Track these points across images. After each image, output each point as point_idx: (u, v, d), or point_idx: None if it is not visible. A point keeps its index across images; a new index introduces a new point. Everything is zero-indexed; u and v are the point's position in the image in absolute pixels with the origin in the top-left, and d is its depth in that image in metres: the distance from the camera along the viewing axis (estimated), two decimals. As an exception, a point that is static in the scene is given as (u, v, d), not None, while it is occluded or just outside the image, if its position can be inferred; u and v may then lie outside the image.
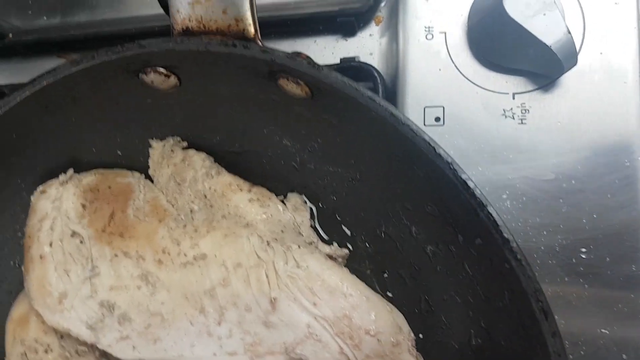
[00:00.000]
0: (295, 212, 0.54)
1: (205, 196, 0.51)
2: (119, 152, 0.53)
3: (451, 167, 0.38)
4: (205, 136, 0.52)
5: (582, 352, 0.54)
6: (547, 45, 0.49)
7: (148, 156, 0.53)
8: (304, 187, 0.52)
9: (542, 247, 0.55)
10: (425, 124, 0.57)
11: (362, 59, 0.60)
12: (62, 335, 0.51)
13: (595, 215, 0.54)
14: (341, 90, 0.41)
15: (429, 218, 0.46)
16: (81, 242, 0.50)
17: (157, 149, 0.52)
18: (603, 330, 0.53)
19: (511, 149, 0.55)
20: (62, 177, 0.52)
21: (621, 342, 0.53)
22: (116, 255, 0.49)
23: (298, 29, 0.61)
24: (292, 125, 0.48)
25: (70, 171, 0.52)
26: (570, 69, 0.52)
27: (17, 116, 0.47)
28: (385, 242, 0.50)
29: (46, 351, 0.50)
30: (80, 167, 0.53)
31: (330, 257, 0.51)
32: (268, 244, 0.48)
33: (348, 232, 0.52)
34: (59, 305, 0.50)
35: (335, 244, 0.53)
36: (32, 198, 0.52)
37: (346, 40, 0.62)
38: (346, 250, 0.52)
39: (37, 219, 0.51)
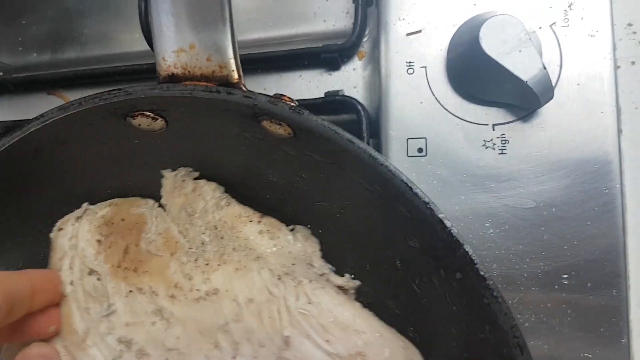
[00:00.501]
0: (306, 242, 0.53)
1: (216, 227, 0.52)
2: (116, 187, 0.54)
3: (428, 206, 0.40)
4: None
5: (566, 377, 0.55)
6: (523, 81, 0.51)
7: (151, 188, 0.54)
8: (293, 221, 0.53)
9: (525, 274, 0.56)
10: (409, 154, 0.58)
11: (347, 92, 0.62)
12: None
13: (576, 242, 0.55)
14: (321, 133, 0.42)
15: (412, 251, 0.47)
16: (98, 279, 0.51)
17: (170, 179, 0.53)
18: (586, 354, 0.55)
19: (492, 178, 0.57)
20: (77, 212, 0.53)
21: (604, 365, 0.54)
22: (131, 292, 0.50)
23: (284, 64, 0.63)
24: (278, 162, 0.50)
25: (85, 205, 0.54)
26: (547, 102, 0.54)
27: (7, 161, 0.48)
28: (371, 275, 0.51)
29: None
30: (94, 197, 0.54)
31: (342, 288, 0.51)
32: (279, 278, 0.48)
33: (333, 268, 0.52)
34: (83, 344, 0.51)
35: (347, 275, 0.51)
36: (51, 235, 0.53)
37: (330, 75, 0.64)
38: (358, 282, 0.51)
39: (57, 257, 0.52)
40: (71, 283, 0.51)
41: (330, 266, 0.51)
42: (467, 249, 0.39)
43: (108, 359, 0.50)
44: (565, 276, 0.55)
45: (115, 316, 0.50)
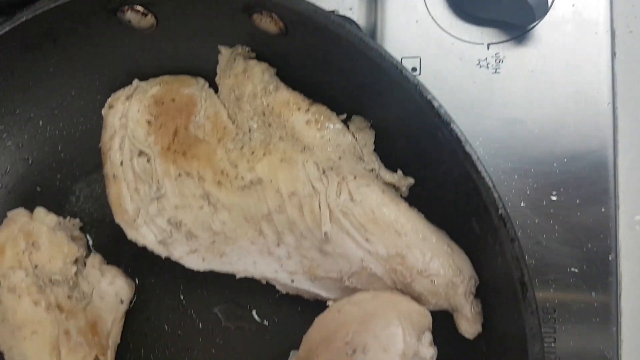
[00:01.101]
0: (359, 133, 0.51)
1: (264, 114, 0.51)
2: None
3: (417, 88, 0.40)
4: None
5: (551, 290, 0.55)
6: (518, -8, 0.51)
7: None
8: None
9: (514, 191, 0.57)
10: (403, 74, 0.58)
11: (342, 13, 0.62)
12: (36, 265, 0.52)
13: (565, 159, 0.56)
14: (313, 19, 0.43)
15: (400, 150, 0.47)
16: (148, 161, 0.53)
17: (225, 56, 0.53)
18: (573, 269, 0.55)
19: (485, 97, 0.57)
20: (127, 89, 0.54)
21: (590, 280, 0.55)
22: (180, 175, 0.52)
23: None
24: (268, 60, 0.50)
25: (136, 82, 0.55)
26: (541, 17, 0.54)
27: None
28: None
29: (20, 279, 0.51)
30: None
31: (393, 185, 0.50)
32: (323, 172, 0.48)
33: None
34: (134, 223, 0.53)
35: (400, 172, 0.50)
36: (103, 112, 0.55)
37: (326, -5, 0.64)
38: (411, 179, 0.50)
39: (107, 136, 0.54)
40: (121, 163, 0.52)
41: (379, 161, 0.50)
42: (454, 127, 0.39)
43: (159, 238, 0.53)
44: (554, 192, 0.55)
45: (165, 198, 0.52)
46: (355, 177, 0.47)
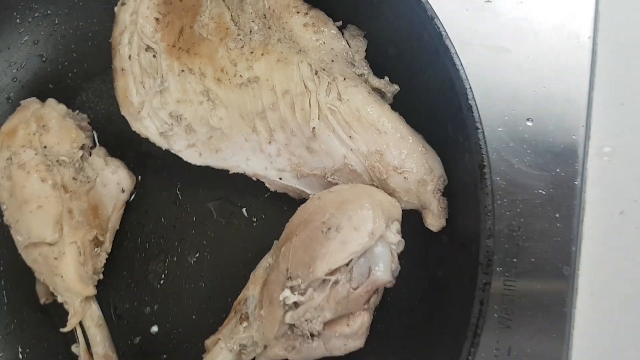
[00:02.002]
0: (352, 40, 0.55)
1: (265, 16, 0.55)
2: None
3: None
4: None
5: (518, 210, 0.60)
6: None
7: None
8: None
9: (493, 115, 0.61)
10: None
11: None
12: (46, 146, 0.57)
13: (544, 88, 0.60)
14: None
15: (390, 59, 0.51)
16: (154, 56, 0.57)
17: None
18: (540, 191, 0.59)
19: (475, 25, 0.61)
20: None
21: (555, 201, 0.59)
22: (182, 71, 0.56)
23: None
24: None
25: None
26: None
27: None
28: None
29: (30, 157, 0.56)
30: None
31: (379, 91, 0.54)
32: (316, 73, 0.52)
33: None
34: (138, 115, 0.57)
35: (386, 78, 0.54)
36: (116, 8, 0.58)
37: None
38: (396, 86, 0.54)
39: (118, 31, 0.58)
40: (129, 57, 0.57)
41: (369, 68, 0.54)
42: (437, 23, 0.43)
43: (160, 131, 0.57)
44: (530, 118, 0.59)
45: (168, 93, 0.56)
46: (344, 79, 0.51)
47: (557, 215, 0.60)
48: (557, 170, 0.60)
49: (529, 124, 0.61)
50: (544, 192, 0.60)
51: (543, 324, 0.60)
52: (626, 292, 0.61)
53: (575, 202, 0.60)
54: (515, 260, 0.60)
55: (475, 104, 0.43)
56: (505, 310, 0.60)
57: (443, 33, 0.44)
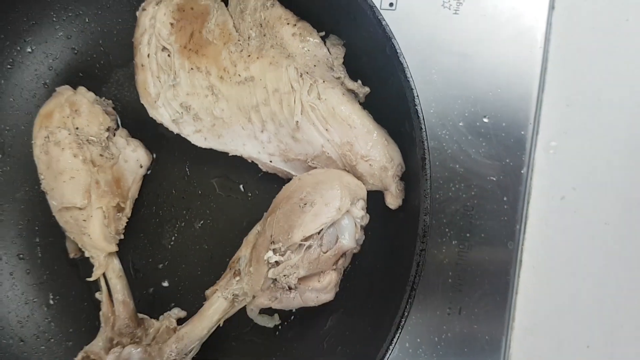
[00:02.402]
0: (332, 48, 0.64)
1: (261, 25, 0.65)
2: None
3: (372, 10, 0.53)
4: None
5: (473, 193, 0.70)
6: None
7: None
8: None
9: (455, 112, 0.71)
10: (381, 7, 0.72)
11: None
12: (77, 127, 0.68)
13: (499, 90, 0.70)
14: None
15: (362, 65, 0.61)
16: (169, 55, 0.67)
17: None
18: (491, 178, 0.70)
19: (445, 34, 0.71)
20: None
21: (504, 187, 0.70)
22: (192, 69, 0.66)
23: None
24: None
25: None
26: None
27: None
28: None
29: (64, 136, 0.68)
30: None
31: (353, 91, 0.64)
32: (301, 75, 0.62)
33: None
34: (154, 104, 0.68)
35: (359, 81, 0.64)
36: (137, 13, 0.69)
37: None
38: (367, 89, 0.64)
39: (139, 33, 0.68)
40: (148, 56, 0.67)
41: (345, 72, 0.64)
42: (394, 43, 0.53)
43: (172, 118, 0.68)
44: (486, 116, 0.70)
45: (179, 86, 0.67)
46: (324, 81, 0.62)
47: (505, 198, 0.71)
48: (507, 160, 0.70)
49: (485, 120, 0.71)
50: (494, 179, 0.71)
51: (489, 289, 0.71)
52: (563, 266, 0.71)
53: (521, 188, 0.70)
54: (468, 235, 0.71)
55: (421, 109, 0.53)
56: (458, 276, 0.71)
57: (398, 51, 0.54)
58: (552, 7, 0.71)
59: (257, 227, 0.64)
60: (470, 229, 0.71)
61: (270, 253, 0.59)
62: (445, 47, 0.72)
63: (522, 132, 0.70)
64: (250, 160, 0.69)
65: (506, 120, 0.71)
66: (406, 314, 0.52)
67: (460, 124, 0.72)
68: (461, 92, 0.71)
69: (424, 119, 0.53)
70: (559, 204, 0.72)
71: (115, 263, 0.71)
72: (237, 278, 0.63)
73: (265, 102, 0.64)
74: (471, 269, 0.71)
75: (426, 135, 0.53)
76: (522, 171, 0.70)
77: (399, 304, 0.53)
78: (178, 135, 0.70)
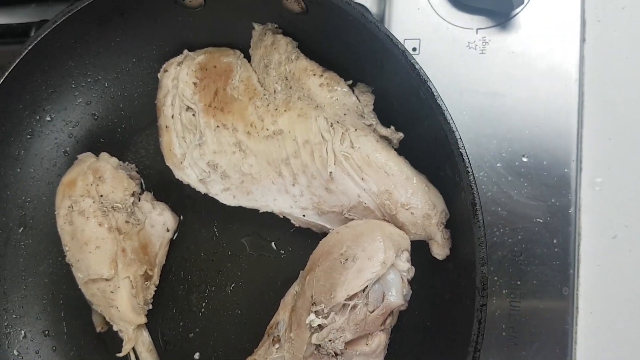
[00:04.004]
0: (361, 95, 0.63)
1: (286, 78, 0.64)
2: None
3: (404, 54, 0.52)
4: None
5: (519, 237, 0.66)
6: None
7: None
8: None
9: (491, 153, 0.68)
10: (406, 53, 0.70)
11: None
12: (102, 195, 0.66)
13: (536, 127, 0.67)
14: (331, 2, 0.55)
15: (394, 111, 0.59)
16: (193, 115, 0.66)
17: (257, 31, 0.66)
18: (538, 220, 0.66)
19: (472, 74, 0.69)
20: (179, 57, 0.68)
21: (552, 229, 0.66)
22: (218, 127, 0.65)
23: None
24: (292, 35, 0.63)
25: (185, 51, 0.68)
26: (518, 6, 0.65)
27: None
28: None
29: (89, 205, 0.65)
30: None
31: (387, 138, 0.61)
32: (331, 125, 0.60)
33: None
34: (180, 165, 0.66)
35: (392, 127, 0.61)
36: (159, 75, 0.68)
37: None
38: (401, 134, 0.61)
39: (162, 94, 0.67)
40: (172, 117, 0.66)
41: (377, 119, 0.62)
42: (430, 85, 0.51)
43: (199, 178, 0.66)
44: (525, 155, 0.66)
45: (205, 145, 0.65)
46: (356, 129, 0.59)
47: (555, 241, 0.66)
48: (553, 200, 0.67)
49: (525, 159, 0.68)
50: (541, 221, 0.67)
51: (547, 340, 0.65)
52: (621, 309, 0.66)
53: (570, 229, 0.66)
54: (519, 282, 0.67)
55: (466, 152, 0.50)
56: (512, 329, 0.66)
57: (435, 93, 0.51)
58: (583, 39, 0.69)
59: (295, 287, 0.60)
60: (520, 275, 0.67)
61: (313, 316, 0.55)
62: (474, 87, 0.70)
63: (565, 170, 0.67)
64: (282, 216, 0.66)
65: (547, 159, 0.67)
66: (471, 376, 0.47)
67: (498, 164, 0.68)
68: (495, 132, 0.69)
69: (469, 161, 0.50)
70: (611, 243, 0.67)
71: (145, 336, 0.67)
72: (277, 345, 0.58)
73: (295, 155, 0.61)
74: (525, 319, 0.66)
75: (474, 178, 0.50)
76: (569, 211, 0.66)
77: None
78: (204, 195, 0.67)
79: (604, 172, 0.68)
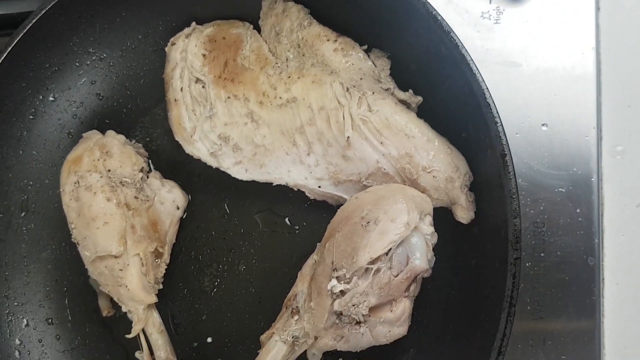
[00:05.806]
0: (377, 60, 0.61)
1: (299, 45, 0.62)
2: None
3: (425, 6, 0.50)
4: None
5: (541, 207, 0.64)
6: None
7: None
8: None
9: (510, 124, 0.67)
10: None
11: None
12: (109, 169, 0.63)
13: (555, 96, 0.65)
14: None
15: (412, 74, 0.57)
16: (203, 87, 0.64)
17: (267, 0, 0.64)
18: (560, 189, 0.64)
19: (487, 44, 0.67)
20: (186, 30, 0.66)
21: (575, 198, 0.64)
22: (229, 97, 0.63)
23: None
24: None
25: (193, 24, 0.66)
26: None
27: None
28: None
29: (96, 179, 0.63)
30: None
31: (405, 102, 0.59)
32: (347, 90, 0.58)
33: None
34: (190, 139, 0.64)
35: (410, 91, 0.60)
36: (166, 49, 0.66)
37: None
38: (420, 97, 0.59)
39: (170, 68, 0.65)
40: (181, 89, 0.64)
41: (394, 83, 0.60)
42: (453, 36, 0.49)
43: (210, 151, 0.64)
44: (545, 124, 0.65)
45: (216, 117, 0.63)
46: (373, 93, 0.58)
47: (578, 210, 0.64)
48: (574, 169, 0.65)
49: (544, 128, 0.66)
50: (563, 190, 0.65)
51: (574, 313, 0.63)
52: (649, 280, 0.64)
53: (593, 197, 0.64)
54: (542, 254, 0.65)
55: (493, 102, 0.49)
56: (536, 303, 0.64)
57: (459, 44, 0.50)
58: (597, 8, 0.68)
59: (314, 257, 0.58)
60: (543, 247, 0.64)
61: (334, 282, 0.52)
62: (490, 58, 0.68)
63: (587, 137, 0.65)
64: (296, 189, 0.63)
65: (567, 127, 0.66)
66: (507, 334, 0.45)
67: (517, 134, 0.67)
68: (514, 102, 0.67)
69: (497, 111, 0.48)
70: (636, 212, 0.65)
71: (155, 316, 0.64)
72: (296, 317, 0.56)
73: (310, 122, 0.59)
74: (550, 292, 0.64)
75: (503, 129, 0.48)
76: (592, 179, 0.65)
77: (490, 330, 0.46)
78: (213, 174, 0.65)
79: (625, 139, 0.66)
